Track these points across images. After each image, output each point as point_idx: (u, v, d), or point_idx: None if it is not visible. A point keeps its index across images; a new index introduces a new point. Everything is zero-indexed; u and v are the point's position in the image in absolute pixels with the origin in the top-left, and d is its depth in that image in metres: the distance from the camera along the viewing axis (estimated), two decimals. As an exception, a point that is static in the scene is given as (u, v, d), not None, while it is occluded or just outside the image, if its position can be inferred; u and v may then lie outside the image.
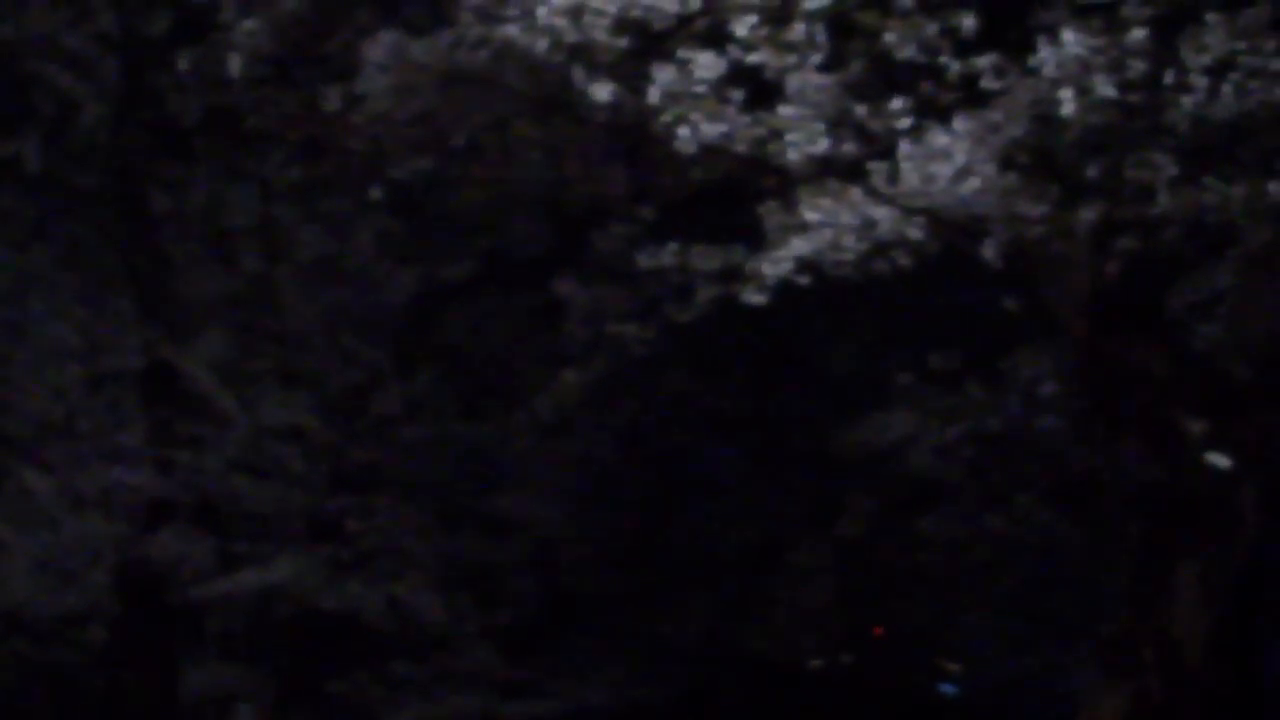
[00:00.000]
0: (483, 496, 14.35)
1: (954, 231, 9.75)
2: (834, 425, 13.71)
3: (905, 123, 9.42)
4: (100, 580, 14.27)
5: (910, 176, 9.46)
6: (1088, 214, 9.53)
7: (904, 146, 9.42)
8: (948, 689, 16.23)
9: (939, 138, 9.37)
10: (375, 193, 11.54)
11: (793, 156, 9.44)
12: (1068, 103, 9.10)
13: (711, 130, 9.47)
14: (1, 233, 14.41)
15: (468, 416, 14.37)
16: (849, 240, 9.51)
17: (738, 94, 9.47)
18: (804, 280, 9.60)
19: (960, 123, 9.38)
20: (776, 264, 9.59)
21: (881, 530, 14.14)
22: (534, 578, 14.53)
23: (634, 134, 9.95)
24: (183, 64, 11.99)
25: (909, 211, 9.55)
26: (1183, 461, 10.24)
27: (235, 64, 11.03)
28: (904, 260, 9.73)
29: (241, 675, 14.79)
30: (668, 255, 10.35)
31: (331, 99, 10.57)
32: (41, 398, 14.23)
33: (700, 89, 9.43)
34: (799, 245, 9.50)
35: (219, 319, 14.23)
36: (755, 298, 9.76)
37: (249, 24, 10.90)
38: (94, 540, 14.16)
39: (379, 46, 10.25)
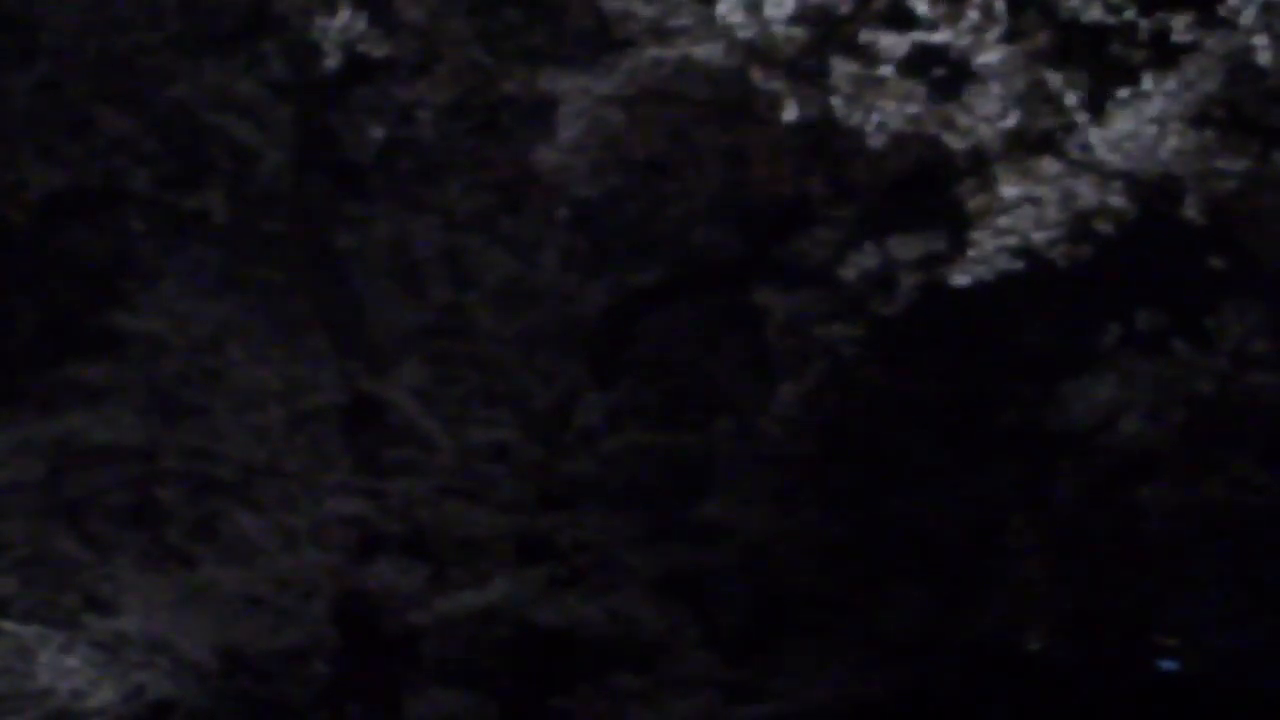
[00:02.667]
0: (690, 503, 14.35)
1: (1153, 194, 9.61)
2: (1039, 399, 13.54)
3: (1096, 88, 9.31)
4: (318, 614, 14.45)
5: (1106, 144, 9.34)
6: (1290, 164, 9.37)
7: (1098, 113, 9.30)
8: (1168, 665, 16.00)
9: (1132, 100, 9.24)
10: (562, 213, 11.61)
11: (985, 133, 9.35)
12: (1263, 51, 8.93)
13: (900, 116, 9.40)
14: (194, 283, 14.68)
15: (669, 424, 14.38)
16: (1050, 214, 9.40)
17: (925, 76, 9.40)
18: (1009, 260, 9.48)
19: (1152, 82, 9.25)
20: (978, 245, 9.49)
21: (1095, 504, 13.93)
22: (747, 580, 14.51)
23: (821, 130, 9.90)
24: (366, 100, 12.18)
25: (1107, 178, 9.42)
26: None
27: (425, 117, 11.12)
28: (1106, 228, 9.61)
29: (462, 699, 14.88)
30: (868, 256, 10.29)
31: (522, 135, 10.65)
32: (246, 440, 14.45)
33: (885, 73, 9.36)
34: (1000, 224, 9.40)
35: (414, 348, 14.37)
36: (960, 279, 9.65)
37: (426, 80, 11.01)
38: (309, 575, 14.33)
39: (560, 81, 10.27)
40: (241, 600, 14.39)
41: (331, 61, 10.50)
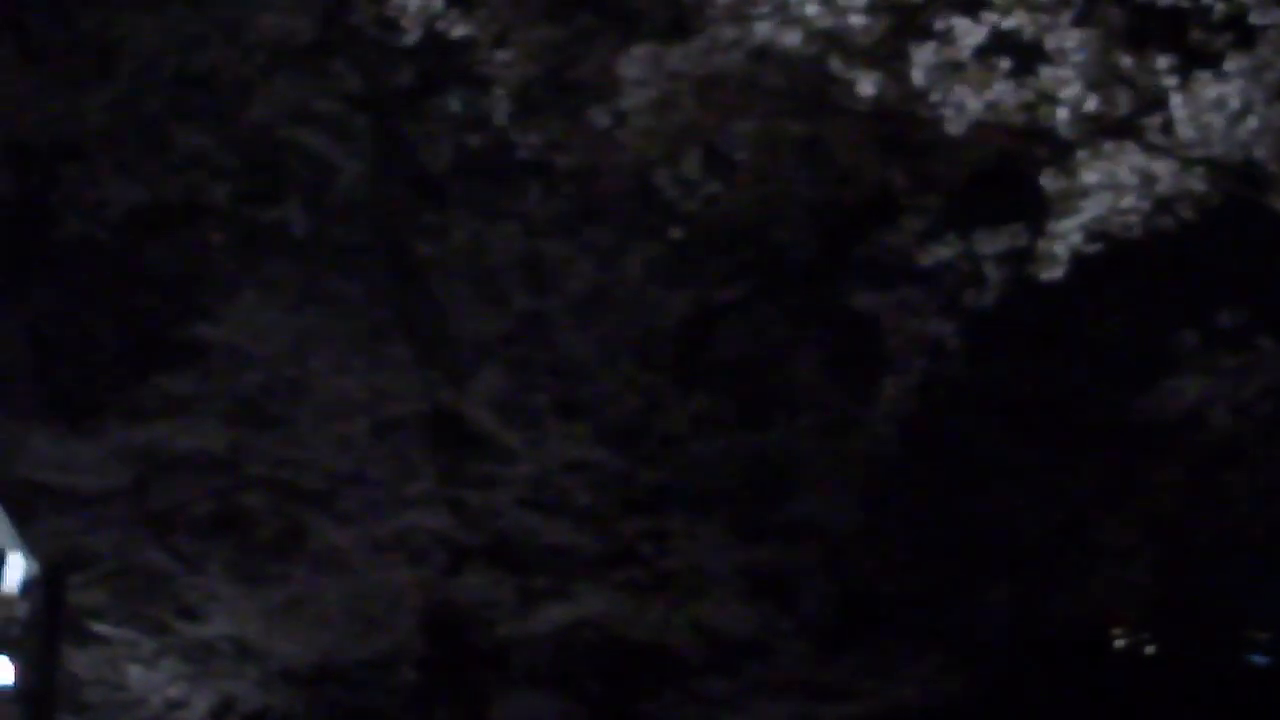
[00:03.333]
0: (774, 505, 14.28)
1: (1234, 179, 9.48)
2: (1125, 395, 13.41)
3: (1174, 71, 9.20)
4: (406, 623, 14.47)
5: (1185, 126, 9.23)
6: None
7: (1176, 95, 9.19)
8: (1259, 659, 15.81)
9: (1211, 82, 9.13)
10: (643, 216, 11.53)
11: (1063, 119, 9.25)
12: (1344, 28, 8.81)
13: (979, 103, 9.31)
14: (276, 296, 14.75)
15: (751, 427, 14.30)
16: (1131, 200, 9.29)
17: (1002, 61, 9.32)
18: (1093, 249, 9.37)
19: (1231, 64, 9.13)
20: (1063, 235, 9.38)
21: (1185, 499, 13.79)
22: (833, 580, 14.42)
23: (901, 120, 9.82)
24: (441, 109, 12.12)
25: (1188, 163, 9.30)
26: None
27: (501, 102, 11.09)
28: (1187, 214, 9.49)
29: (550, 707, 14.87)
30: (948, 247, 10.20)
31: (598, 117, 10.56)
32: (331, 450, 14.49)
33: (963, 58, 9.27)
34: (1082, 213, 9.29)
35: (495, 357, 14.36)
36: (1050, 274, 9.54)
37: (503, 55, 10.98)
38: (396, 585, 14.37)
39: (635, 62, 10.23)
40: (330, 610, 14.43)
41: (410, 38, 10.47)
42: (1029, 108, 9.21)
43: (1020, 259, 10.04)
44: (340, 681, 14.68)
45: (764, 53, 9.71)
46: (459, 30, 10.55)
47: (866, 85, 9.37)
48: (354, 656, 14.50)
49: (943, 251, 10.46)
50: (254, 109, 14.50)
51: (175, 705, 14.40)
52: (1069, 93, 9.12)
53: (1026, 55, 9.29)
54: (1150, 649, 15.65)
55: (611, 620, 14.12)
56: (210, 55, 14.40)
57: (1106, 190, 9.37)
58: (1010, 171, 10.27)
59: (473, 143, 13.92)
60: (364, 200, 14.80)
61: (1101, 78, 9.26)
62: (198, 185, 14.72)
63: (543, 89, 11.40)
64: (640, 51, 10.25)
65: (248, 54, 14.34)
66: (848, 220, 12.87)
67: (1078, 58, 9.17)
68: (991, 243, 10.28)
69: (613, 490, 14.31)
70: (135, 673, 14.36)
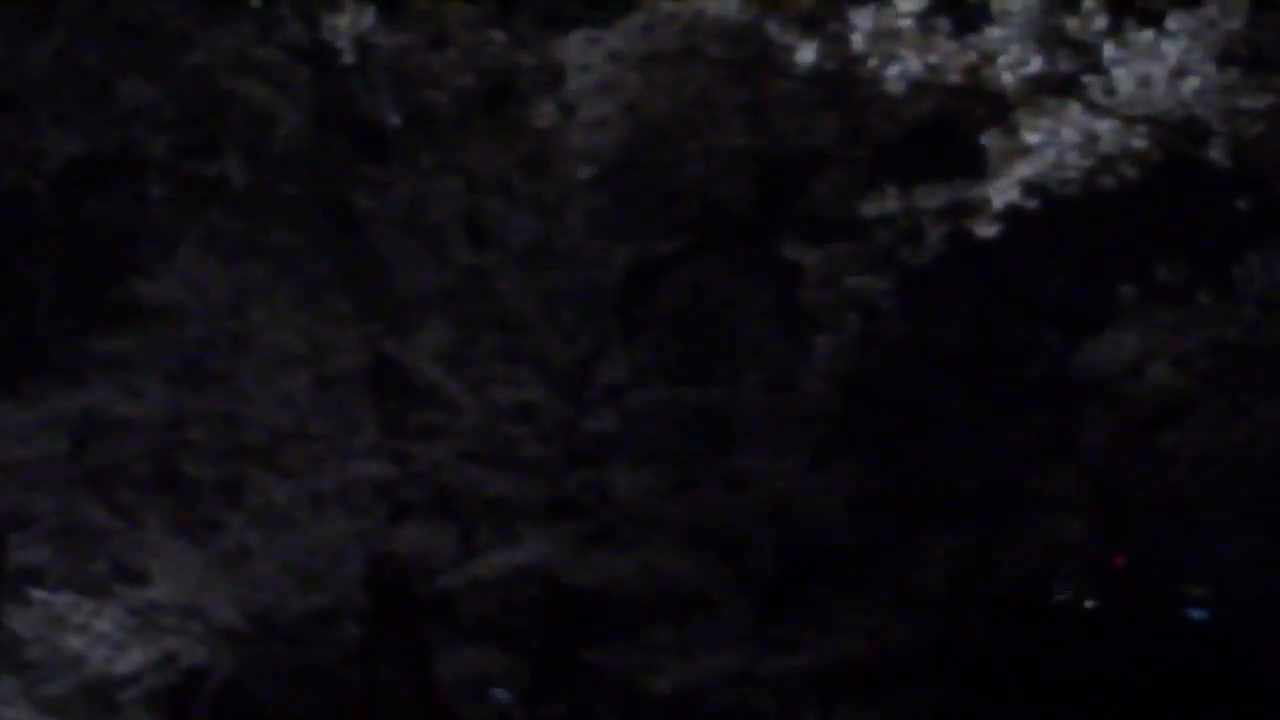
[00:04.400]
0: (716, 457, 14.31)
1: (1177, 136, 9.52)
2: (1065, 350, 13.47)
3: (1116, 30, 9.22)
4: (348, 577, 14.45)
5: (1127, 84, 9.26)
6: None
7: (1117, 54, 9.22)
8: (1197, 614, 15.93)
9: (1153, 41, 9.16)
10: (585, 172, 11.53)
11: (1007, 79, 9.28)
12: (1287, -11, 8.86)
13: (920, 64, 9.33)
14: (215, 249, 14.64)
15: (693, 379, 14.32)
16: (1072, 158, 9.33)
17: (943, 23, 9.33)
18: (1032, 205, 9.42)
19: (1174, 22, 9.17)
20: (1002, 192, 9.42)
21: (1123, 452, 13.87)
22: (777, 533, 14.47)
23: (840, 80, 9.83)
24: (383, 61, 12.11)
25: (1130, 121, 9.34)
26: None
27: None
28: (1129, 172, 9.53)
29: (495, 658, 14.90)
30: (891, 199, 10.23)
31: (545, 115, 10.58)
32: (272, 405, 14.44)
33: (905, 24, 9.29)
34: (1022, 169, 9.33)
35: (437, 310, 14.32)
36: (987, 230, 9.60)
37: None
38: (338, 538, 14.34)
39: (574, 46, 10.22)
40: (271, 565, 14.40)
41: (347, 58, 10.46)
42: (971, 70, 9.23)
43: (958, 214, 10.08)
44: (283, 637, 14.64)
45: (700, 23, 9.72)
46: (392, 42, 10.55)
47: (806, 53, 9.38)
48: (296, 612, 14.46)
49: (885, 203, 10.49)
50: (194, 59, 14.36)
51: (115, 661, 14.34)
52: (1011, 53, 9.15)
53: (968, 16, 9.31)
54: (1089, 603, 15.75)
55: (555, 567, 14.15)
56: (151, 5, 14.25)
57: (1048, 149, 9.41)
58: (949, 128, 10.29)
59: (415, 99, 13.89)
60: (305, 153, 14.68)
61: (1044, 37, 9.29)
62: (137, 138, 14.58)
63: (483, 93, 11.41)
64: (578, 36, 10.25)
65: (188, 3, 14.20)
66: (785, 173, 12.87)
67: (1019, 18, 9.20)
68: (931, 197, 10.32)
69: (556, 441, 14.32)
70: (76, 630, 14.30)
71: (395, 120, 14.25)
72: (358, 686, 14.94)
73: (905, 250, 10.62)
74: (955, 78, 9.28)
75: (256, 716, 14.92)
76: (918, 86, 9.44)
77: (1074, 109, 9.33)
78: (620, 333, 14.32)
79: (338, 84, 14.48)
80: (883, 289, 11.71)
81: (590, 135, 10.88)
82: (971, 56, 9.25)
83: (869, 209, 10.33)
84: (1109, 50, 9.27)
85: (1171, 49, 9.15)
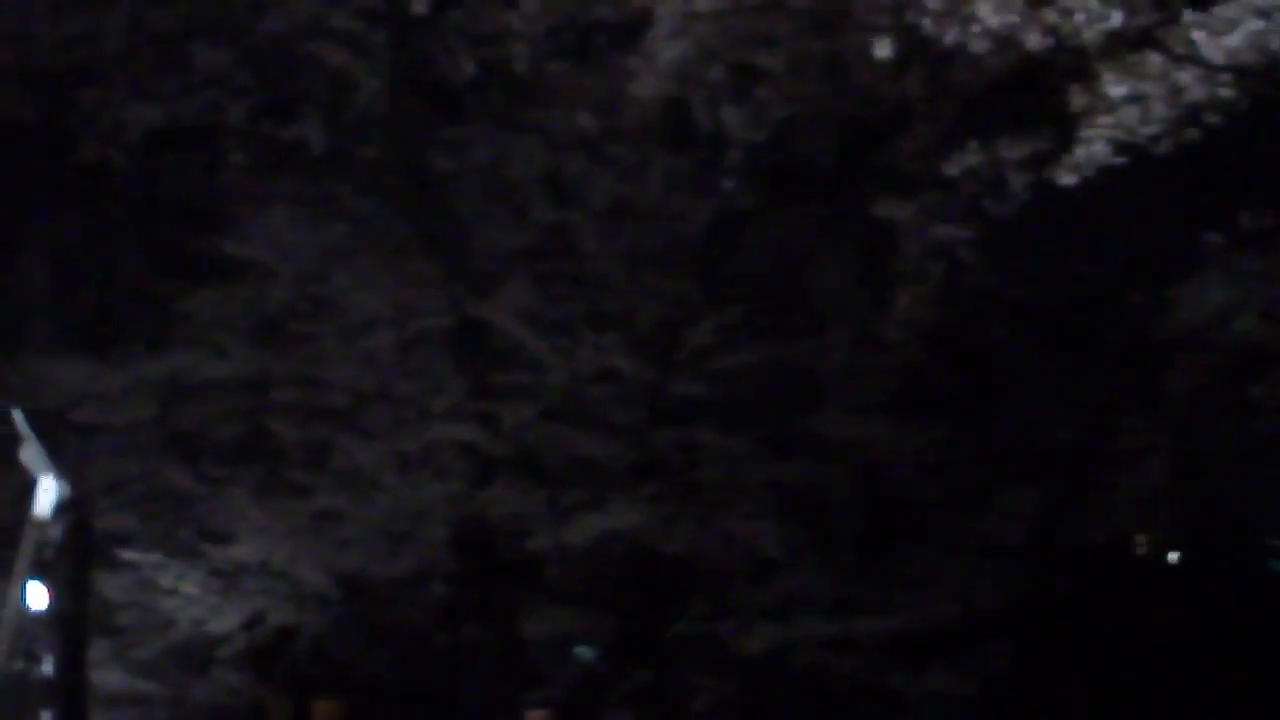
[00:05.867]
0: (801, 417, 14.24)
1: (1263, 83, 9.43)
2: (1148, 301, 13.34)
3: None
4: (435, 539, 14.51)
5: (1210, 35, 9.17)
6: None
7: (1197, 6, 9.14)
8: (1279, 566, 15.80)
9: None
10: (666, 128, 11.51)
11: (1087, 35, 9.20)
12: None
13: (1001, 21, 9.26)
14: (297, 213, 14.70)
15: (777, 339, 14.25)
16: (1158, 110, 9.25)
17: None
18: (1120, 161, 9.35)
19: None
20: (1086, 145, 9.35)
21: (1208, 404, 13.74)
22: (860, 493, 14.39)
23: (919, 37, 9.77)
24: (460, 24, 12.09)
25: (1214, 70, 9.25)
26: None
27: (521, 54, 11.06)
28: (1214, 121, 9.44)
29: (580, 621, 14.90)
30: (973, 154, 10.17)
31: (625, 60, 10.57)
32: (355, 367, 14.50)
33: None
34: (1106, 123, 9.26)
35: (520, 270, 14.33)
36: (1068, 179, 9.53)
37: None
38: (424, 500, 14.39)
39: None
40: (358, 527, 14.48)
41: (421, 14, 10.47)
42: (1052, 26, 9.16)
43: (1042, 165, 10.03)
44: (369, 598, 14.73)
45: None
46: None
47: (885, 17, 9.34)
48: (383, 573, 14.53)
49: (967, 159, 10.45)
50: (270, 24, 14.41)
51: (204, 624, 14.47)
52: (1092, 9, 9.07)
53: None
54: (1173, 556, 15.64)
55: (642, 532, 14.13)
56: (225, -29, 14.31)
57: (1132, 103, 9.34)
58: (1032, 81, 10.22)
59: (492, 57, 13.90)
60: (383, 116, 14.72)
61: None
62: (215, 105, 14.65)
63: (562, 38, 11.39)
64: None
65: (264, -31, 14.25)
66: (868, 129, 12.80)
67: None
68: (1015, 149, 10.26)
69: (641, 402, 14.30)
70: (165, 594, 14.43)
71: (471, 78, 14.27)
72: (443, 647, 15.02)
73: (989, 202, 10.56)
74: (1036, 35, 9.20)
75: (343, 677, 15.01)
76: (999, 41, 9.37)
77: (1155, 61, 9.24)
78: (703, 292, 14.26)
79: (414, 46, 14.51)
80: (966, 239, 11.63)
81: (670, 84, 10.86)
82: (1050, 16, 9.17)
83: (951, 167, 10.27)
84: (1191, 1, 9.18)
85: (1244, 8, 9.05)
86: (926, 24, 9.26)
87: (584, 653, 15.27)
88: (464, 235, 14.53)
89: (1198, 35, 9.23)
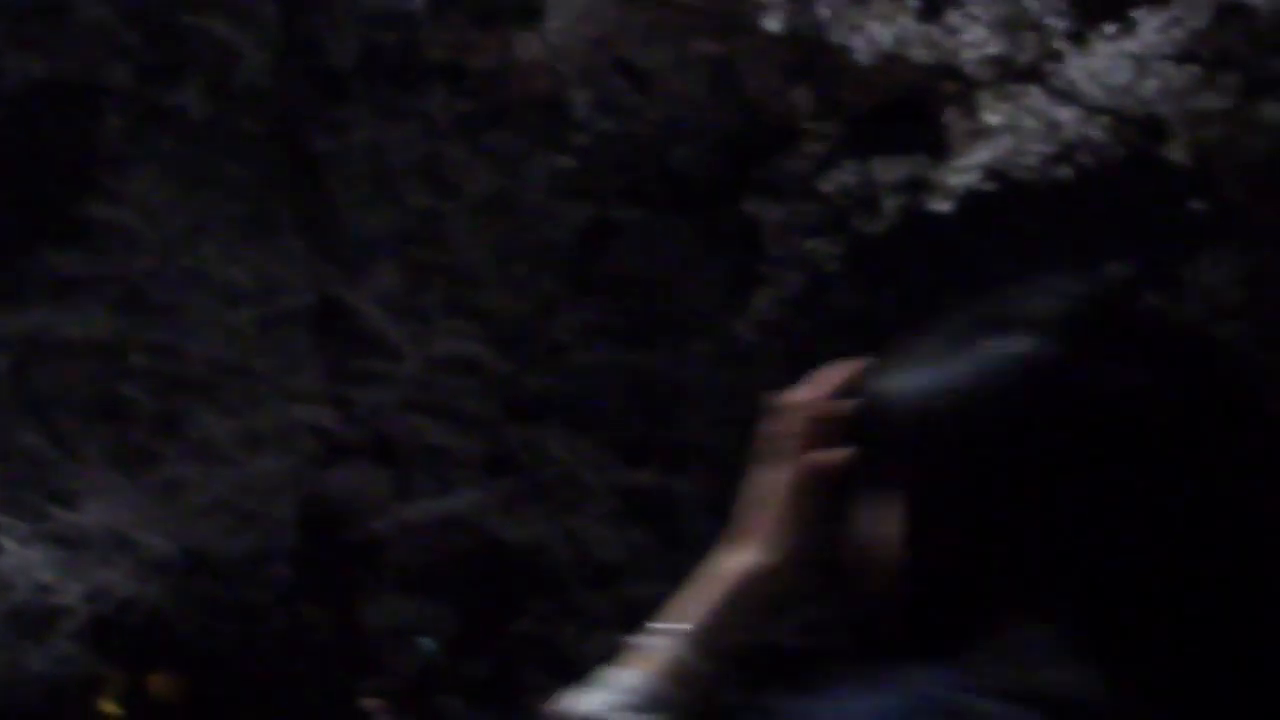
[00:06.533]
0: (657, 426, 14.26)
1: (1136, 131, 9.55)
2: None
3: (1082, 19, 9.24)
4: (281, 517, 14.42)
5: (1089, 75, 9.28)
6: (1273, 109, 9.31)
7: (1081, 45, 9.24)
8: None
9: (1118, 33, 9.18)
10: (549, 127, 11.47)
11: (971, 60, 9.29)
12: (1255, -9, 8.88)
13: (888, 37, 9.33)
14: (169, 180, 14.55)
15: (639, 344, 14.27)
16: (1033, 144, 9.35)
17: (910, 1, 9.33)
18: (989, 187, 9.44)
19: (1140, 16, 9.19)
20: (961, 172, 9.44)
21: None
22: (713, 508, 14.40)
23: (810, 45, 9.82)
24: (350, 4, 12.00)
25: (1092, 111, 9.36)
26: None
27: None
28: (1087, 161, 9.55)
29: (422, 608, 14.86)
30: (850, 173, 10.22)
31: (526, 42, 10.55)
32: (216, 340, 14.38)
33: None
34: (982, 152, 9.35)
35: (388, 255, 14.27)
36: (941, 205, 9.61)
37: None
38: (273, 478, 14.31)
39: None
40: (205, 500, 14.35)
41: None
42: (937, 47, 9.24)
43: (916, 190, 10.10)
44: (212, 574, 14.59)
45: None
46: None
47: (776, 21, 9.39)
48: (227, 549, 14.41)
49: (841, 177, 10.51)
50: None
51: (45, 589, 14.25)
52: (976, 35, 9.16)
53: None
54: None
55: (487, 520, 14.12)
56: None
57: (1009, 132, 9.43)
58: (915, 105, 10.30)
59: (380, 40, 13.83)
60: (265, 89, 14.61)
61: (1009, 21, 9.30)
62: (98, 63, 14.46)
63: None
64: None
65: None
66: (751, 144, 12.84)
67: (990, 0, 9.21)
68: (890, 171, 10.33)
69: (496, 395, 14.29)
70: (7, 557, 14.20)
71: (357, 59, 14.20)
72: (284, 626, 14.90)
73: (860, 218, 10.62)
74: (922, 54, 9.28)
75: (180, 651, 14.85)
76: (886, 60, 9.43)
77: (1036, 95, 9.34)
78: (569, 292, 14.27)
79: (303, 22, 14.41)
80: (833, 254, 11.67)
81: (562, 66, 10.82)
82: (938, 35, 9.25)
83: (830, 183, 10.33)
84: (1073, 39, 9.29)
85: (1136, 44, 9.17)
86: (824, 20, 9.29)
87: (425, 644, 15.21)
88: (335, 215, 14.45)
89: (1077, 75, 9.34)
